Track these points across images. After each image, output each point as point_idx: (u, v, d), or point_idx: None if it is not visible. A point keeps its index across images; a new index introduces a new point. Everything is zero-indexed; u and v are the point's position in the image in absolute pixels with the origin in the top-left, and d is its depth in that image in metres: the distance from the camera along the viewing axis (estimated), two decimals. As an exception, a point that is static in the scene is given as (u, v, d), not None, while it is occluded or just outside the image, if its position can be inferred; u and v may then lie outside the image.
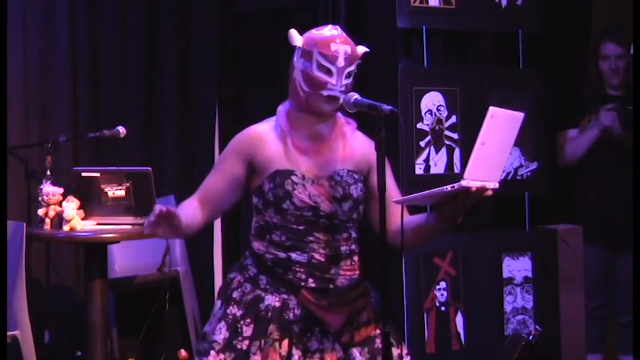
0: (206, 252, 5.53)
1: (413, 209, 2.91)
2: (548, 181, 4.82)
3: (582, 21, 5.13)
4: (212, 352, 2.74)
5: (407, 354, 2.87)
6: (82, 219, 4.36)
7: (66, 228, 4.30)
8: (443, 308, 4.58)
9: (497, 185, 2.60)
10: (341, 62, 2.73)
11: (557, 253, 4.38)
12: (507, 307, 4.73)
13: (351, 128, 2.86)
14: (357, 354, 2.76)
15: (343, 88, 2.73)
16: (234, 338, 2.74)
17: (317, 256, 2.74)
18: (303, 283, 2.74)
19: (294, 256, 2.73)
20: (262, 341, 2.72)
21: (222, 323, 2.76)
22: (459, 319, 4.61)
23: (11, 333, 4.19)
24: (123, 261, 5.12)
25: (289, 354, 2.72)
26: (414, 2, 4.51)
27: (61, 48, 5.12)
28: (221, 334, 2.75)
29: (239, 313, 2.75)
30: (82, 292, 4.66)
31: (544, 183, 4.82)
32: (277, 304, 2.74)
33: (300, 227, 2.73)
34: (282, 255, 2.74)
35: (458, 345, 4.60)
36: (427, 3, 4.56)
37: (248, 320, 2.74)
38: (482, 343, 4.64)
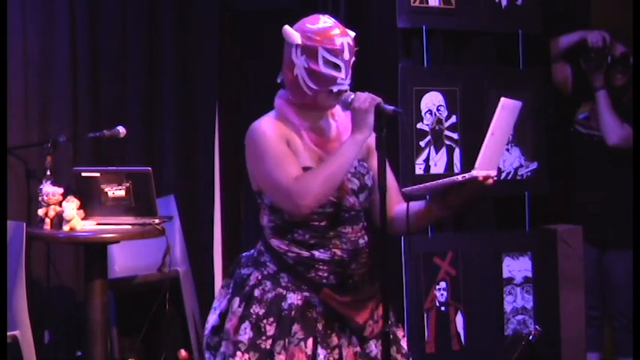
0: (206, 252, 5.53)
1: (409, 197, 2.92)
2: (548, 181, 4.82)
3: (582, 21, 5.13)
4: (238, 353, 2.70)
5: (403, 336, 2.88)
6: (82, 219, 4.36)
7: (66, 228, 4.30)
8: (443, 308, 4.58)
9: (496, 173, 2.67)
10: (346, 55, 2.70)
11: (557, 253, 4.39)
12: (507, 307, 4.72)
13: (344, 115, 2.82)
14: (373, 347, 2.77)
15: (349, 81, 2.71)
16: (257, 338, 2.71)
17: (339, 252, 2.72)
18: (324, 281, 2.72)
19: (317, 254, 2.71)
20: (286, 340, 2.70)
21: (247, 323, 2.73)
22: (459, 319, 4.60)
23: (11, 333, 4.19)
24: (123, 261, 5.11)
25: (315, 353, 2.70)
26: (414, 2, 4.50)
27: (61, 48, 5.12)
28: (246, 334, 2.72)
29: (261, 312, 2.72)
30: (82, 292, 4.67)
31: (544, 183, 4.81)
32: (300, 303, 2.72)
33: (322, 224, 2.71)
34: (305, 254, 2.71)
35: (458, 345, 4.60)
36: (427, 3, 4.55)
37: (271, 319, 2.71)
38: (482, 343, 4.64)
